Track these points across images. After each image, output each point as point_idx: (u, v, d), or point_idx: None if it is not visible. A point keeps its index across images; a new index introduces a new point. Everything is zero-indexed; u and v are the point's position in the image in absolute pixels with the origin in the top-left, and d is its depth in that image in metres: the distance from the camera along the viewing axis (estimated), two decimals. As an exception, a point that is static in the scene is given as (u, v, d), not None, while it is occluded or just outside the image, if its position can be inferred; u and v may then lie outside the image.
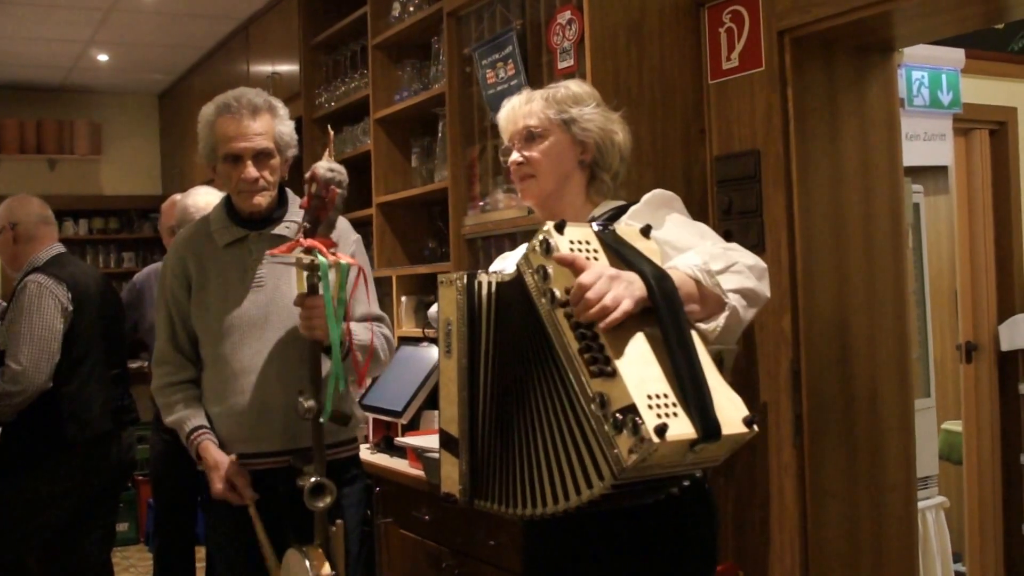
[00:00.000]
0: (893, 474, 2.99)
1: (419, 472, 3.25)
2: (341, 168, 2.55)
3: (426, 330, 3.82)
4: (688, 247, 1.97)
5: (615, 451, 1.66)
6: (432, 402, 3.65)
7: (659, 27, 3.02)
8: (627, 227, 1.94)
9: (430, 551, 3.28)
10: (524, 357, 1.88)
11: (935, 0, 2.63)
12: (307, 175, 2.54)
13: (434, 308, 3.65)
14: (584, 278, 1.71)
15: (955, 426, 4.67)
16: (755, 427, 1.75)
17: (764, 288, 1.96)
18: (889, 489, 2.97)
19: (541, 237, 1.80)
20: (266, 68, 5.63)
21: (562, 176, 2.16)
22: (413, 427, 3.63)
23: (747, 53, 2.92)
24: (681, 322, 1.74)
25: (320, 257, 2.46)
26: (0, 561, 3.62)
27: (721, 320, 1.88)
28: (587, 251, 1.80)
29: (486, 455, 1.96)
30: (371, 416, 3.86)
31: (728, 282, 1.89)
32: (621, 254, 1.81)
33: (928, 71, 4.32)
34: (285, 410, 2.62)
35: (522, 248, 2.36)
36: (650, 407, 1.64)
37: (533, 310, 1.82)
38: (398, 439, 3.44)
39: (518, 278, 1.87)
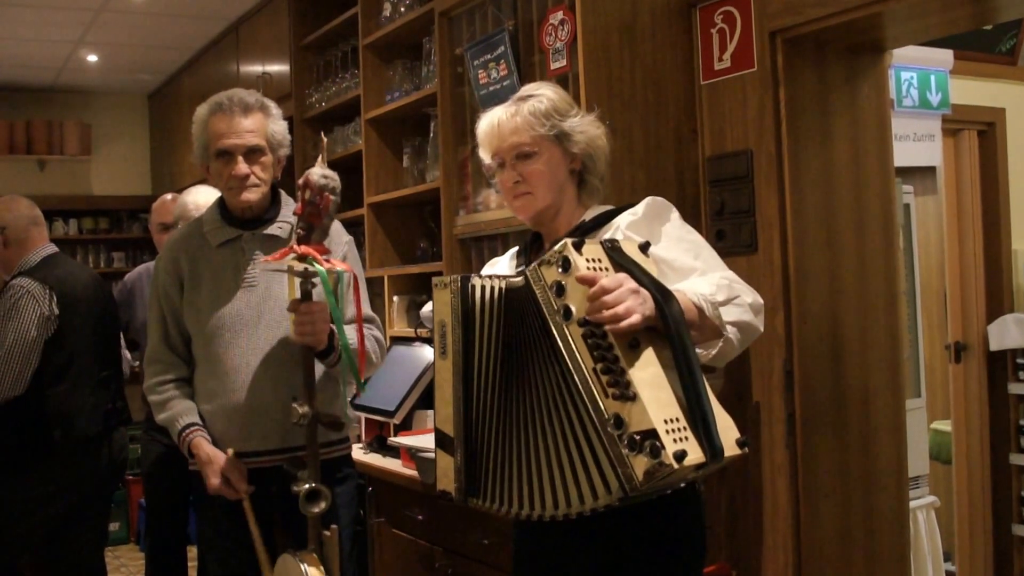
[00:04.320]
0: (885, 474, 3.00)
1: (412, 472, 3.25)
2: (334, 174, 2.55)
3: (418, 330, 3.82)
4: (685, 268, 2.06)
5: (628, 471, 1.73)
6: (425, 402, 3.65)
7: (651, 28, 3.03)
8: (628, 243, 1.99)
9: (423, 551, 3.28)
10: (525, 362, 1.92)
11: (925, 2, 2.64)
12: (300, 181, 2.54)
13: (427, 308, 3.68)
14: (607, 282, 1.78)
15: (944, 426, 4.68)
16: (747, 448, 1.87)
17: (759, 324, 2.07)
18: (881, 489, 2.99)
19: (561, 255, 1.85)
20: (256, 68, 5.61)
21: (558, 189, 2.19)
22: (406, 427, 3.63)
23: (739, 54, 2.93)
24: (688, 346, 1.82)
25: (316, 265, 2.46)
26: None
27: (715, 349, 2.00)
28: (599, 268, 1.86)
29: (482, 454, 1.99)
30: (363, 416, 3.85)
31: (728, 314, 1.98)
32: (630, 271, 1.87)
33: (917, 72, 4.33)
34: (277, 409, 2.62)
35: (512, 254, 2.37)
36: (667, 432, 1.72)
37: (541, 320, 1.88)
38: (391, 439, 3.43)
39: (526, 287, 1.91)
